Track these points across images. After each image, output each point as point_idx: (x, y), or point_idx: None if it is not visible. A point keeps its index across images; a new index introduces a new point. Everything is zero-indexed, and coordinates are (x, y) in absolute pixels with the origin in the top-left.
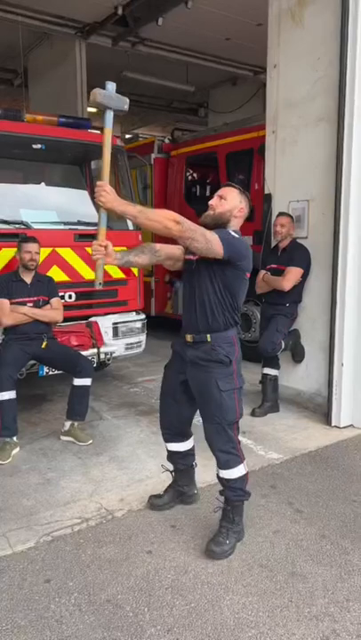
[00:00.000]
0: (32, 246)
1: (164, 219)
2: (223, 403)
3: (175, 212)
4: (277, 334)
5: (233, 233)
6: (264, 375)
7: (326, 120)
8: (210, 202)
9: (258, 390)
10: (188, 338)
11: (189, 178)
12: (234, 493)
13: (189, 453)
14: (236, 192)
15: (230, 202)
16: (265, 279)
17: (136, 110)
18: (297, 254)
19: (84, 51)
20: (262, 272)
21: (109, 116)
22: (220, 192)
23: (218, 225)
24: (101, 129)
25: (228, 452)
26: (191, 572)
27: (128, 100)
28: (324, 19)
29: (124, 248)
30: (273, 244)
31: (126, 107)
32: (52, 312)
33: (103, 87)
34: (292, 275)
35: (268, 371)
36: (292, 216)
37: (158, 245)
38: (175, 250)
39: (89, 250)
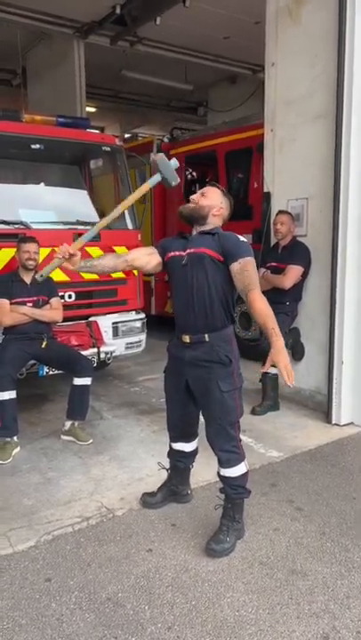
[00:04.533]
0: (30, 246)
1: (266, 304)
2: (225, 403)
3: (257, 298)
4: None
5: (239, 237)
6: (264, 374)
7: (324, 117)
8: (191, 196)
9: (258, 389)
10: (186, 339)
11: (189, 177)
12: (234, 491)
13: (193, 454)
14: (219, 192)
15: (210, 199)
16: (265, 277)
17: (135, 109)
18: (297, 252)
19: (83, 50)
20: (262, 270)
21: (156, 178)
22: (202, 189)
23: (194, 217)
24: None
25: (229, 451)
26: (192, 569)
27: (179, 181)
28: (322, 16)
29: (124, 248)
30: (273, 242)
31: (174, 183)
32: (52, 312)
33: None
34: (293, 273)
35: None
36: (291, 214)
37: (131, 257)
38: (143, 249)
39: (59, 249)
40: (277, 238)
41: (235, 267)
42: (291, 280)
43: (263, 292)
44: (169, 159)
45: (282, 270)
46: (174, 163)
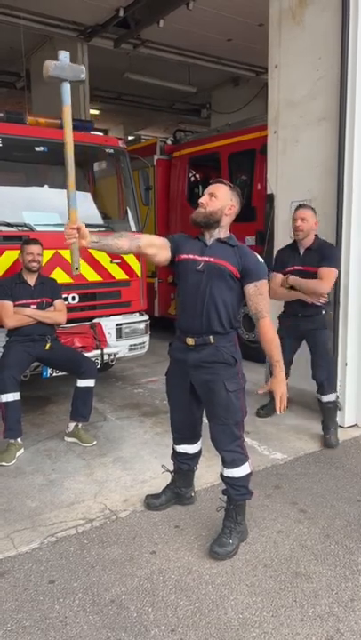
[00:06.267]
0: (34, 248)
1: (276, 335)
2: (230, 403)
3: (268, 327)
4: (330, 357)
5: (258, 257)
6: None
7: (328, 119)
8: (200, 200)
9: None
10: (190, 341)
11: (192, 179)
12: (237, 492)
13: (197, 455)
14: (227, 188)
15: (221, 199)
16: (296, 282)
17: (138, 111)
18: (332, 254)
19: (87, 53)
20: (278, 275)
21: (66, 89)
22: (210, 189)
23: (209, 223)
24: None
25: (233, 451)
26: (195, 572)
27: (84, 69)
28: (325, 18)
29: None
30: (284, 241)
31: (83, 75)
32: (56, 314)
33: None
34: (332, 276)
35: None
36: (314, 209)
37: (145, 240)
38: (157, 239)
39: (66, 233)
40: (297, 237)
41: (250, 287)
42: (330, 284)
43: (288, 304)
44: (169, 158)
45: (309, 275)
46: (64, 56)
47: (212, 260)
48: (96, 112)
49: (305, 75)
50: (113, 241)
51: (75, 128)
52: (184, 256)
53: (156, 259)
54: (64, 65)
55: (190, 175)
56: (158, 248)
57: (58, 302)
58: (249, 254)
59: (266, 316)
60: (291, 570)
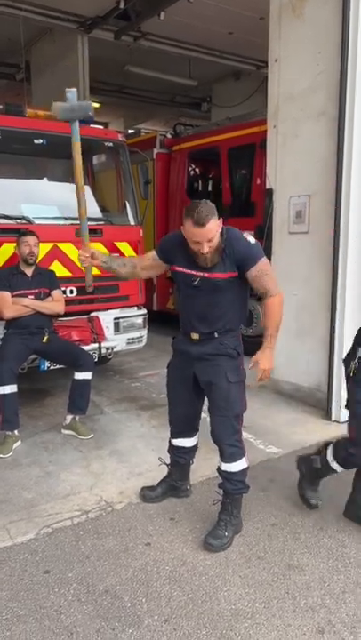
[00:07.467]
0: (30, 239)
1: (281, 312)
2: (230, 394)
3: (279, 303)
4: None
5: (248, 240)
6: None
7: (328, 113)
8: (201, 251)
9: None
10: (195, 336)
11: (191, 173)
12: (234, 487)
13: (193, 449)
14: (213, 220)
15: (214, 233)
16: None
17: (139, 104)
18: None
19: (87, 45)
20: None
21: (75, 128)
22: (203, 235)
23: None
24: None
25: (233, 445)
26: (189, 563)
27: (91, 104)
28: (325, 12)
29: (126, 244)
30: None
31: (91, 112)
32: (54, 304)
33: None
34: None
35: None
36: None
37: (140, 265)
38: (148, 261)
39: (81, 260)
40: None
41: (252, 272)
42: None
43: None
44: (168, 152)
45: None
46: (71, 95)
47: (205, 274)
48: (96, 105)
49: (305, 68)
50: (116, 268)
51: None
52: (178, 268)
53: (158, 274)
54: (73, 106)
55: (190, 169)
56: (154, 269)
57: (56, 292)
58: (237, 242)
59: (275, 294)
60: (284, 562)
